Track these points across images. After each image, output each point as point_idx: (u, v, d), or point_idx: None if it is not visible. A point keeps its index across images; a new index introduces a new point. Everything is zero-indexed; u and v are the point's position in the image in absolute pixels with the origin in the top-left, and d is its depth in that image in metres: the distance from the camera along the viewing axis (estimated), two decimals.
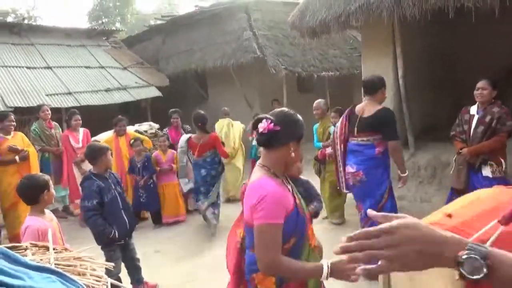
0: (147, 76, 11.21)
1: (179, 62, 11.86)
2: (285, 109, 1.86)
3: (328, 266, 1.63)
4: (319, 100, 5.79)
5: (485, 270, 0.76)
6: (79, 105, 8.67)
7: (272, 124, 1.72)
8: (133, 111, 11.92)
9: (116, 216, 3.63)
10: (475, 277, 0.76)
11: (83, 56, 10.98)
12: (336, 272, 1.62)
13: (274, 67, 9.48)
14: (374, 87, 3.78)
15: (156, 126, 7.92)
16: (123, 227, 3.67)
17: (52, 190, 2.81)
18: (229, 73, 10.38)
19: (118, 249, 3.69)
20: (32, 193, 2.72)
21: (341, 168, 4.03)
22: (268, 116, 1.76)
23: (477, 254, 0.77)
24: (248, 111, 10.56)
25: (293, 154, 1.75)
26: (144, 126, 7.75)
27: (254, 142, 9.30)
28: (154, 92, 10.53)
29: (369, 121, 3.72)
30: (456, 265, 0.78)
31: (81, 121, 6.47)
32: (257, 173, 1.78)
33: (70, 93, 9.22)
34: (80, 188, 3.85)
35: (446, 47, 6.50)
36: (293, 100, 9.98)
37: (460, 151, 4.00)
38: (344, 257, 0.84)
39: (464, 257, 0.77)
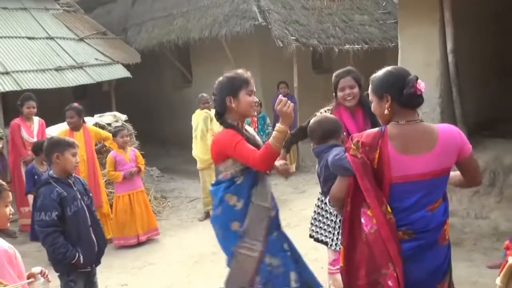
0: (111, 50, 11.18)
1: (154, 31, 11.83)
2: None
3: None
4: None
5: None
6: (19, 88, 8.65)
7: None
8: (92, 97, 11.91)
9: (82, 235, 3.63)
10: None
11: (25, 23, 10.94)
12: None
13: (281, 38, 9.46)
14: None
15: (123, 117, 7.93)
16: (90, 249, 3.66)
17: (5, 208, 2.65)
18: (220, 46, 10.35)
19: (80, 279, 3.69)
20: None
21: None
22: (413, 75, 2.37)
23: None
24: None
25: None
26: (107, 117, 7.75)
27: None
28: (120, 72, 10.51)
29: None
30: None
31: (35, 109, 6.66)
32: (426, 125, 2.43)
33: (7, 73, 9.17)
34: (30, 195, 3.84)
35: None
36: (307, 82, 9.98)
37: None
38: None
39: None
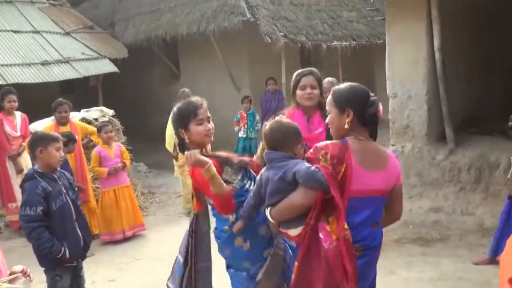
0: (99, 44, 11.10)
1: (141, 26, 11.75)
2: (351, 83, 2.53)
3: None
4: (329, 78, 5.78)
5: None
6: (5, 83, 8.56)
7: None
8: (79, 92, 11.81)
9: (67, 230, 3.63)
10: None
11: (10, 17, 10.80)
12: None
13: (269, 34, 9.45)
14: None
15: (110, 112, 7.88)
16: (76, 244, 3.66)
17: None
18: (208, 42, 10.32)
19: (66, 273, 3.69)
20: None
21: None
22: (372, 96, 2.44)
23: None
24: (234, 94, 10.54)
25: None
26: (94, 112, 7.71)
27: (242, 134, 9.26)
28: (107, 67, 10.44)
29: None
30: None
31: (17, 103, 6.62)
32: (377, 144, 2.51)
33: None
34: (17, 190, 3.82)
35: (501, 12, 6.49)
36: None
37: None
38: None
39: None
